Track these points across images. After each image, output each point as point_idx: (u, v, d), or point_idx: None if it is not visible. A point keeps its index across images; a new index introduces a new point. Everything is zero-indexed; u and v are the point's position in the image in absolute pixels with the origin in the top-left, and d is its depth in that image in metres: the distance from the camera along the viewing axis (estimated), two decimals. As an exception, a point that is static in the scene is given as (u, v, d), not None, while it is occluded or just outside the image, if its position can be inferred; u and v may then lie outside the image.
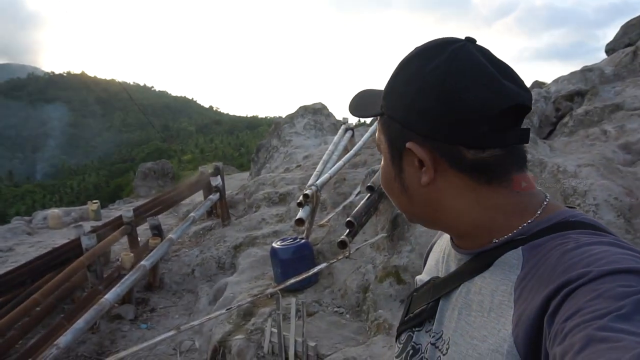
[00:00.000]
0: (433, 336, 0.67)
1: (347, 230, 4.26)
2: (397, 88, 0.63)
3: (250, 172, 14.97)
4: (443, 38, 0.62)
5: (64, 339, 3.80)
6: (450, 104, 0.57)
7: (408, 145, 0.60)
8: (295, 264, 4.69)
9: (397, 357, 0.74)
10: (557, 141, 5.25)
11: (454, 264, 0.69)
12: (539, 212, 0.60)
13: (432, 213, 0.65)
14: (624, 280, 0.44)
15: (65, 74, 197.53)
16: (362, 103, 0.74)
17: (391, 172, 0.66)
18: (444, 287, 0.67)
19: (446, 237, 0.78)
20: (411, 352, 0.71)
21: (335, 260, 4.14)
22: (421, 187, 0.62)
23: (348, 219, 4.37)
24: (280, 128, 13.78)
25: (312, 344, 3.44)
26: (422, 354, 0.68)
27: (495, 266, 0.59)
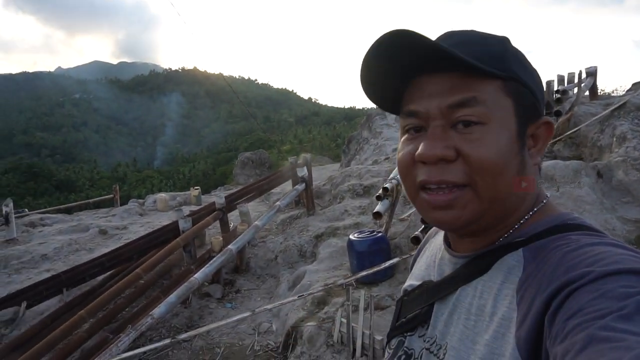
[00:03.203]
0: (427, 341, 0.65)
1: (422, 227, 4.16)
2: (516, 58, 0.60)
3: (340, 163, 15.16)
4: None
5: (158, 310, 4.24)
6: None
7: (547, 118, 0.61)
8: (371, 256, 4.70)
9: None
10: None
11: (448, 268, 0.67)
12: (542, 204, 0.61)
13: (513, 202, 0.59)
14: (626, 281, 0.44)
15: (180, 70, 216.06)
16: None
17: (513, 146, 0.57)
18: (438, 291, 0.66)
19: (436, 241, 0.76)
20: (403, 357, 0.69)
21: (407, 255, 4.07)
22: (530, 167, 0.60)
23: (424, 214, 4.26)
24: (372, 120, 13.72)
25: (378, 337, 3.44)
26: (416, 359, 0.67)
27: (495, 269, 0.58)
